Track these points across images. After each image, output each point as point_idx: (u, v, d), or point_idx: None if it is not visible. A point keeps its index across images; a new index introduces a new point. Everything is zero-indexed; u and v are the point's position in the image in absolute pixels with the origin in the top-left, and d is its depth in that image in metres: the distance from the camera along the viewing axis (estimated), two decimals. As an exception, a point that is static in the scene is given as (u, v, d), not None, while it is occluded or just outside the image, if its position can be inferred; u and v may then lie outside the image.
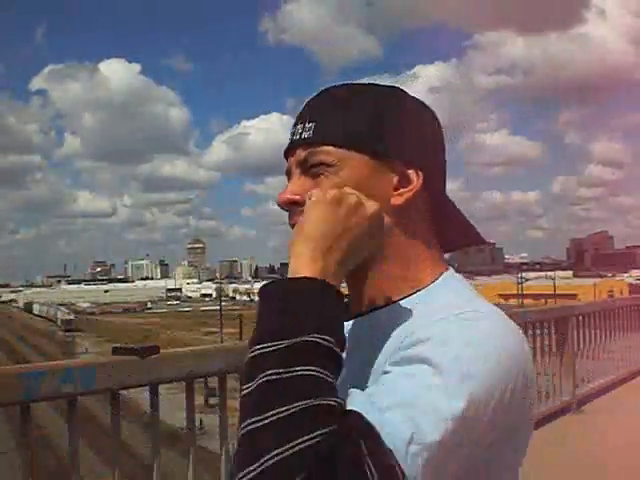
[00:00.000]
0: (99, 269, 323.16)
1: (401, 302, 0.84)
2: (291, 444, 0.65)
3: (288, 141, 0.89)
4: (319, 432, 0.65)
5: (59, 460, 14.17)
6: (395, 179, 0.85)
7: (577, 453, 4.57)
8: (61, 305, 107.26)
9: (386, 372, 0.75)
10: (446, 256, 0.94)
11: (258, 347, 0.71)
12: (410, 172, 0.85)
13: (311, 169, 0.86)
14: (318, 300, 0.72)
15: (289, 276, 0.75)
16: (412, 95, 0.91)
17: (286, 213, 0.88)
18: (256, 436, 0.67)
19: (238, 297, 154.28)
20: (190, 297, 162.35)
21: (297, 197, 0.85)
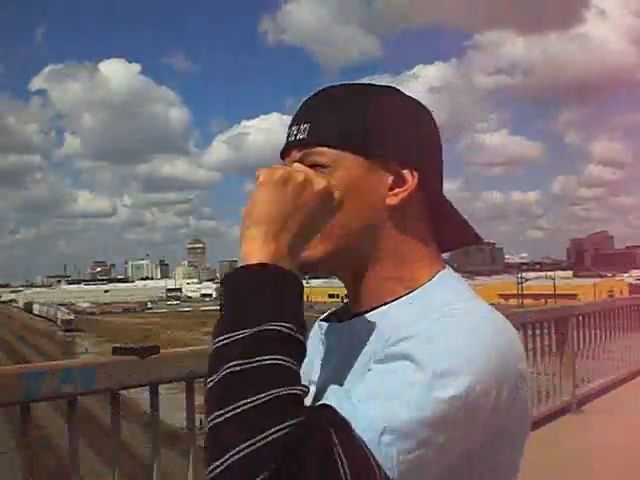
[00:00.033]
0: (99, 269, 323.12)
1: (395, 302, 0.84)
2: (258, 437, 0.65)
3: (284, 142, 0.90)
4: (286, 423, 0.65)
5: (59, 460, 14.17)
6: (390, 179, 0.85)
7: (577, 453, 4.56)
8: (61, 305, 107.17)
9: (370, 370, 0.75)
10: (446, 256, 0.94)
11: (220, 339, 0.71)
12: (405, 172, 0.85)
13: None
14: (274, 286, 0.72)
15: (242, 262, 0.75)
16: (408, 95, 0.91)
17: None
18: (221, 430, 0.67)
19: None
20: (190, 297, 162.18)
21: None
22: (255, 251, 0.74)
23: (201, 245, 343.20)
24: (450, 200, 0.90)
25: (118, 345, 2.21)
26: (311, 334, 0.95)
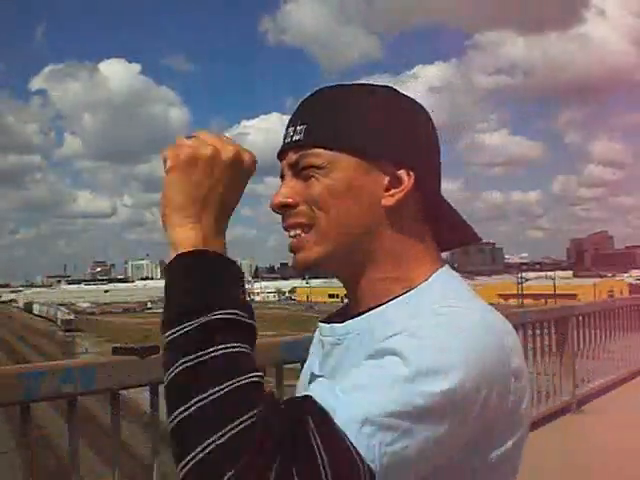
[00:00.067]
0: (99, 269, 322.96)
1: (392, 302, 0.84)
2: (223, 431, 0.64)
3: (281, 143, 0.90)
4: (250, 413, 0.65)
5: (59, 460, 14.16)
6: (386, 180, 0.85)
7: (577, 453, 4.56)
8: (61, 305, 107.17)
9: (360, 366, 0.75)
10: (445, 256, 0.94)
11: (168, 333, 0.71)
12: (401, 173, 0.85)
13: (302, 172, 0.85)
14: (211, 273, 0.73)
15: (173, 252, 0.75)
16: (405, 95, 0.91)
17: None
18: (185, 427, 0.66)
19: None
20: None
21: (289, 200, 0.86)
22: (184, 239, 0.74)
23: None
24: (449, 200, 0.90)
25: (118, 345, 2.21)
26: (315, 336, 0.95)
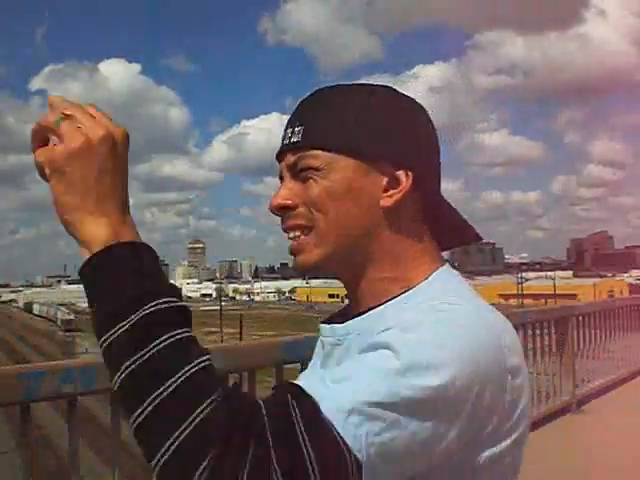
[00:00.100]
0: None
1: (391, 302, 0.84)
2: (183, 426, 0.63)
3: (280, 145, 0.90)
4: (208, 402, 0.64)
5: (59, 460, 14.17)
6: (384, 181, 0.84)
7: (577, 453, 4.57)
8: (61, 305, 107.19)
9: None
10: (446, 256, 0.94)
11: (102, 340, 0.69)
12: (399, 173, 0.84)
13: (301, 173, 0.85)
14: (131, 265, 0.70)
15: (86, 253, 0.71)
16: (404, 94, 0.90)
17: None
18: (145, 429, 0.65)
19: (238, 297, 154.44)
20: (190, 297, 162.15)
21: (288, 202, 0.86)
22: (93, 238, 0.71)
23: (201, 245, 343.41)
24: (449, 200, 0.90)
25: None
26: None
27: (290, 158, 0.87)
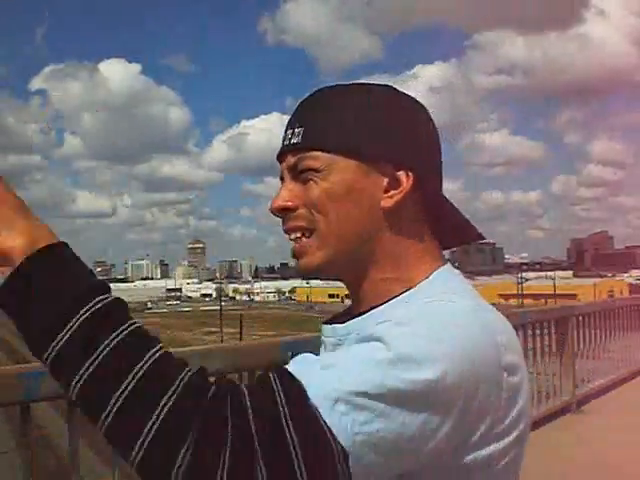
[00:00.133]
0: (99, 269, 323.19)
1: (391, 301, 0.83)
2: (155, 415, 0.63)
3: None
4: (175, 385, 0.64)
5: (59, 460, 14.17)
6: (385, 182, 0.84)
7: (577, 453, 4.57)
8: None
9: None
10: (446, 256, 0.94)
11: (45, 358, 0.66)
12: (400, 174, 0.84)
13: (301, 175, 0.85)
14: (53, 272, 0.67)
15: (7, 267, 0.68)
16: (404, 93, 0.90)
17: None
18: (115, 430, 0.65)
19: (238, 297, 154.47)
20: (190, 297, 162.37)
21: (289, 204, 0.86)
22: (12, 249, 0.68)
23: (201, 245, 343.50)
24: (450, 200, 0.90)
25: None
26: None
27: (290, 159, 0.86)
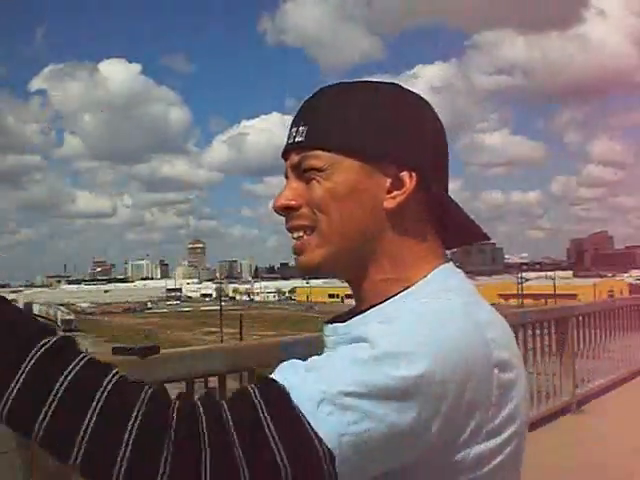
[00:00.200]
0: (99, 269, 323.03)
1: (389, 300, 0.83)
2: (124, 445, 0.62)
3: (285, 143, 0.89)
4: (137, 410, 0.63)
5: (59, 460, 14.15)
6: (388, 182, 0.84)
7: (577, 453, 4.57)
8: (61, 305, 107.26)
9: None
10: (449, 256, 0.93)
11: (2, 404, 0.65)
12: (403, 174, 0.83)
13: (304, 174, 0.85)
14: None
15: None
16: (411, 91, 0.89)
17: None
18: (89, 466, 0.64)
19: (238, 297, 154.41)
20: (190, 297, 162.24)
21: (292, 202, 0.85)
22: None
23: (201, 245, 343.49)
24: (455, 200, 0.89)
25: (118, 345, 2.21)
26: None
27: (294, 158, 0.86)
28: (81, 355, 0.67)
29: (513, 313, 5.47)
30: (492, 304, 0.84)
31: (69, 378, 0.64)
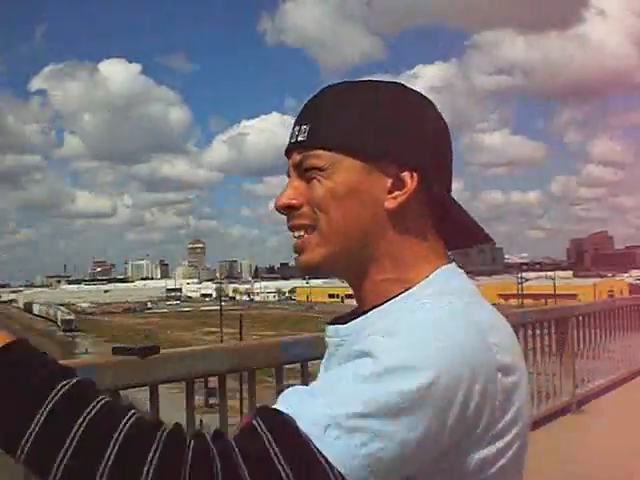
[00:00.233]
0: (99, 269, 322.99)
1: (390, 302, 0.83)
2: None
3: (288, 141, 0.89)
4: (153, 450, 0.64)
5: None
6: (389, 182, 0.83)
7: (577, 453, 4.57)
8: (61, 305, 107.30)
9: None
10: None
11: (19, 452, 0.67)
12: (404, 174, 0.83)
13: (306, 173, 0.85)
14: (14, 370, 0.69)
15: None
16: (414, 90, 0.89)
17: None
18: None
19: (238, 297, 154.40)
20: (190, 297, 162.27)
21: (294, 201, 0.85)
22: None
23: (201, 245, 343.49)
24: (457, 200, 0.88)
25: (118, 345, 2.21)
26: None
27: (296, 157, 0.86)
28: (99, 398, 0.68)
29: (513, 313, 5.48)
30: (492, 304, 0.84)
31: (86, 422, 0.66)
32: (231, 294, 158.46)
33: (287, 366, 2.73)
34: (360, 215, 0.84)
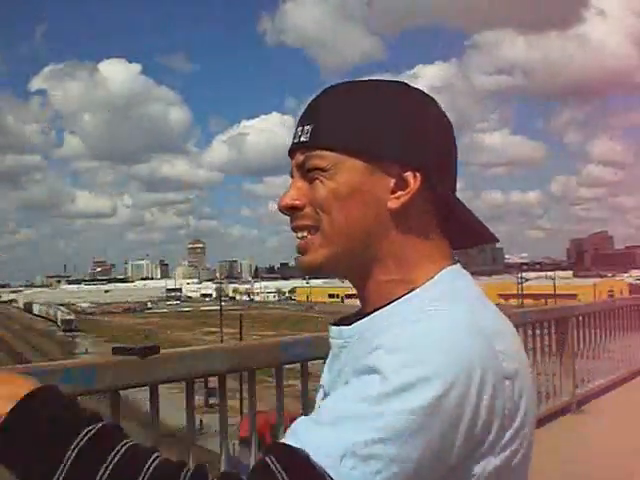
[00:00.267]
0: (99, 269, 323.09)
1: (394, 303, 0.83)
2: None
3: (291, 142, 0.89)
4: None
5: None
6: (392, 182, 0.83)
7: (577, 453, 4.56)
8: (61, 305, 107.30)
9: (346, 383, 0.74)
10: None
11: None
12: (407, 174, 0.83)
13: (308, 173, 0.85)
14: (40, 417, 0.70)
15: None
16: (417, 89, 0.88)
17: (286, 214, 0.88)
18: None
19: (238, 297, 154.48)
20: (190, 297, 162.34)
21: (297, 202, 0.85)
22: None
23: (201, 245, 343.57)
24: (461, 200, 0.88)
25: (118, 345, 2.21)
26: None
27: (299, 157, 0.86)
28: (124, 441, 0.69)
29: (513, 313, 5.47)
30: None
31: (112, 466, 0.67)
32: (231, 294, 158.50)
33: (287, 366, 2.73)
34: (363, 216, 0.83)
